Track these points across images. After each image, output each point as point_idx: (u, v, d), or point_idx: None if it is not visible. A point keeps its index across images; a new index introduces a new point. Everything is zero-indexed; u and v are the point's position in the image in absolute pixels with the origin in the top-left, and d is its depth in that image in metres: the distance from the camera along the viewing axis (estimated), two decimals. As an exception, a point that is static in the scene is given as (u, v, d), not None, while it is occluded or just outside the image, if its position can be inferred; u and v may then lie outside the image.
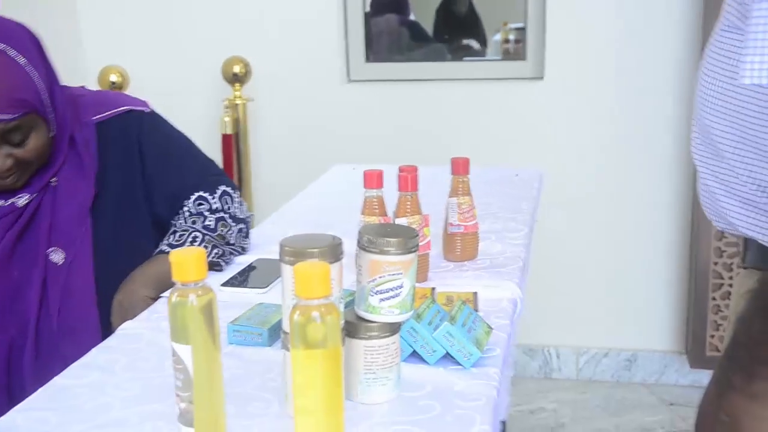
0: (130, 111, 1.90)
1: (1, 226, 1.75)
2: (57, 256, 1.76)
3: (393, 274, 1.18)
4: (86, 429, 1.18)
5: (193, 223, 1.84)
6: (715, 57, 1.28)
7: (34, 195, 1.77)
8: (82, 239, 1.78)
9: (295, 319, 0.99)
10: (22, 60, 1.70)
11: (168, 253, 1.69)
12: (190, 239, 1.78)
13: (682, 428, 2.98)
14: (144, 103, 1.94)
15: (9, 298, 1.74)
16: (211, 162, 2.01)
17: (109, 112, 1.88)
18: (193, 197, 1.87)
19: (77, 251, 1.77)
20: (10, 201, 1.75)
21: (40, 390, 1.31)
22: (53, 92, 1.76)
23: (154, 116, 1.95)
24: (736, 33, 1.20)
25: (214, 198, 1.88)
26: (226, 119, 3.27)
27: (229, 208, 1.88)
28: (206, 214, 1.85)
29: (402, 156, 2.58)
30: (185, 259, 1.05)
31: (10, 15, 1.74)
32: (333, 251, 1.16)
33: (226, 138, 3.23)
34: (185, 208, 1.86)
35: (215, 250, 1.78)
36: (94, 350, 1.45)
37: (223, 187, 1.91)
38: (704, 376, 3.21)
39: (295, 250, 1.15)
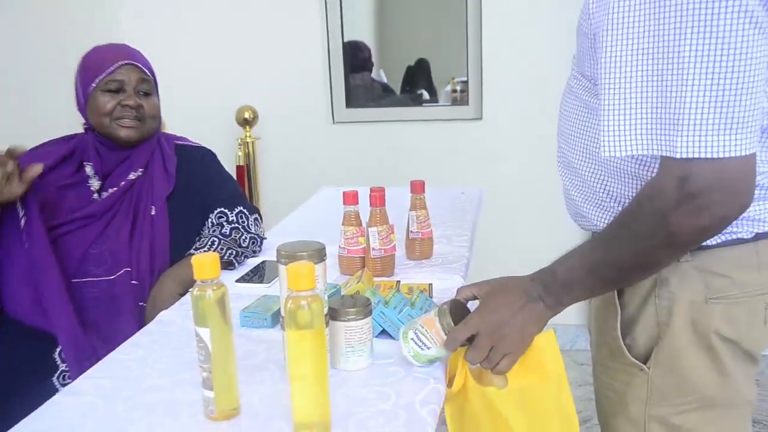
0: (201, 146, 2.01)
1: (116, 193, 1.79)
2: (152, 210, 1.81)
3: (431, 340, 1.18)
4: (132, 393, 1.17)
5: (213, 231, 1.83)
6: (570, 101, 1.26)
7: (140, 172, 1.82)
8: (164, 202, 1.82)
9: (288, 307, 0.98)
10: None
11: (220, 227, 1.85)
12: (209, 243, 1.77)
13: (589, 381, 2.97)
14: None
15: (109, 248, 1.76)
16: (239, 191, 2.02)
17: (187, 142, 2.00)
18: (216, 211, 1.88)
19: (159, 209, 1.81)
20: (130, 176, 1.81)
21: (99, 363, 1.30)
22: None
23: (212, 153, 2.01)
24: (583, 81, 1.19)
25: (232, 214, 1.88)
26: (239, 154, 3.25)
27: (243, 222, 1.88)
28: (224, 224, 1.85)
29: (374, 180, 2.57)
30: (203, 263, 1.04)
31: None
32: (319, 254, 1.16)
33: (239, 168, 3.22)
34: (208, 220, 1.87)
35: (229, 251, 1.76)
36: (138, 333, 1.43)
37: (240, 207, 1.91)
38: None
39: (288, 254, 1.15)
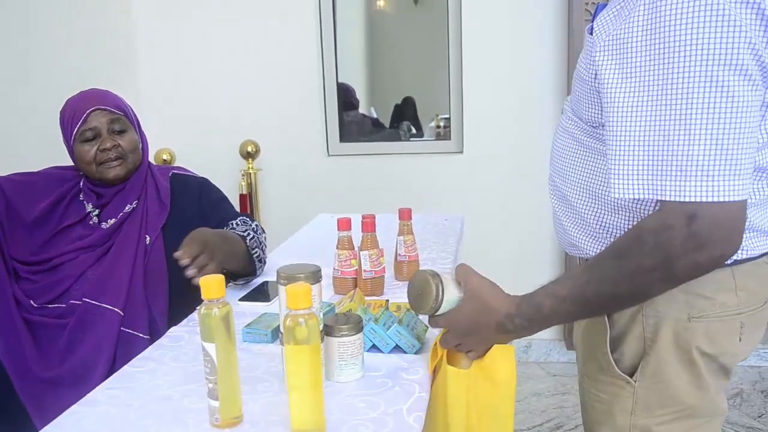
0: (197, 176, 1.92)
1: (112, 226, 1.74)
2: (147, 239, 1.75)
3: None
4: (144, 402, 1.16)
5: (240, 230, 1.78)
6: (564, 140, 1.24)
7: (135, 204, 1.77)
8: (158, 232, 1.76)
9: (287, 324, 0.98)
10: (119, 95, 1.80)
11: (230, 229, 1.77)
12: (244, 230, 1.77)
13: (562, 391, 2.96)
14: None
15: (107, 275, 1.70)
16: (237, 212, 1.93)
17: (185, 172, 1.92)
18: (238, 219, 1.82)
19: (155, 238, 1.75)
20: (126, 209, 1.76)
21: (113, 375, 1.29)
22: (142, 134, 1.82)
23: (209, 183, 1.93)
24: (580, 123, 1.18)
25: (235, 221, 1.81)
26: (243, 183, 3.24)
27: (248, 223, 1.83)
28: (234, 227, 1.79)
29: (365, 207, 2.56)
30: (210, 284, 1.04)
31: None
32: (315, 276, 1.15)
33: (242, 197, 3.20)
34: (233, 224, 1.81)
35: (255, 243, 1.76)
36: (150, 347, 1.42)
37: (241, 217, 1.86)
38: (575, 355, 3.25)
39: (287, 275, 1.15)
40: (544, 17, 3.08)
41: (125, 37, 3.27)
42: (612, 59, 1.00)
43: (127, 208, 1.76)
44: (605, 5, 1.08)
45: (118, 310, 1.65)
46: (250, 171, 3.25)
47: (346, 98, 3.42)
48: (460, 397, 1.20)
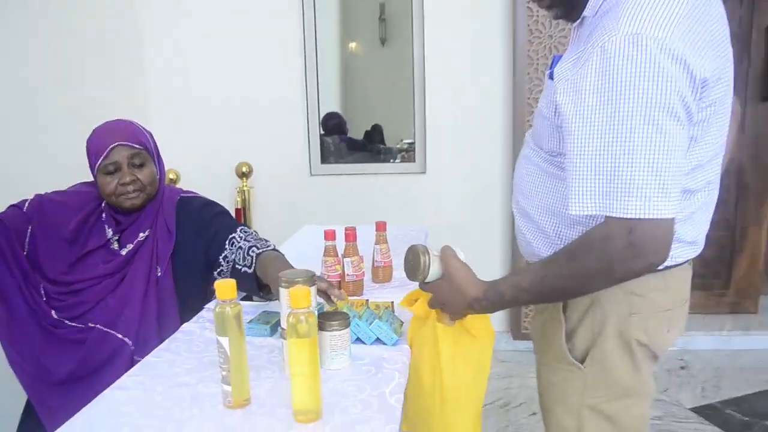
0: (201, 197, 1.80)
1: (125, 256, 1.65)
2: (158, 271, 1.65)
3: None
4: (165, 387, 1.18)
5: (246, 240, 1.65)
6: (527, 167, 1.27)
7: (147, 233, 1.67)
8: (167, 262, 1.65)
9: (289, 321, 1.00)
10: (144, 129, 1.70)
11: (231, 237, 1.66)
12: (262, 244, 1.65)
13: (509, 375, 3.00)
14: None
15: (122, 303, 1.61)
16: (236, 221, 1.76)
17: (191, 194, 1.80)
18: (238, 230, 1.68)
19: (165, 270, 1.65)
20: (139, 236, 1.66)
21: (137, 364, 1.30)
22: (161, 162, 1.72)
23: (211, 203, 1.79)
24: (541, 153, 1.21)
25: (237, 233, 1.67)
26: (238, 199, 3.23)
27: (251, 233, 1.70)
28: (240, 242, 1.65)
29: (344, 219, 2.58)
30: (224, 287, 1.06)
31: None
32: (311, 279, 1.18)
33: (237, 211, 3.19)
34: (235, 236, 1.67)
35: (265, 248, 1.62)
36: (167, 341, 1.42)
37: (240, 227, 1.69)
38: (520, 345, 3.27)
39: (288, 279, 1.16)
40: (495, 56, 3.13)
41: (137, 85, 3.25)
42: (570, 100, 1.03)
43: (140, 236, 1.67)
44: (561, 56, 1.12)
45: (130, 342, 1.58)
46: (245, 189, 3.25)
47: (338, 124, 3.44)
48: (448, 347, 1.24)
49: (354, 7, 3.39)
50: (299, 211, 3.30)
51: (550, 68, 1.16)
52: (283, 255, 1.60)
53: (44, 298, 1.62)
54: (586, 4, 1.09)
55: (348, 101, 3.49)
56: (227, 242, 1.66)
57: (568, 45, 1.17)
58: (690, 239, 1.15)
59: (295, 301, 0.99)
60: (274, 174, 3.36)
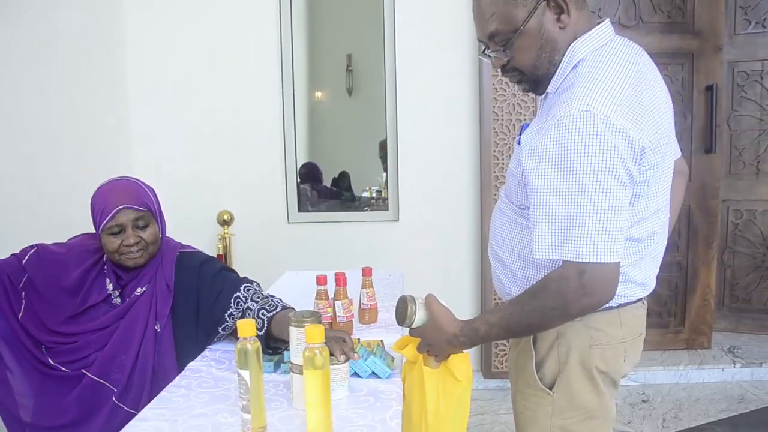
0: (200, 253, 1.84)
1: (123, 307, 1.70)
2: (157, 326, 1.69)
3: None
4: (186, 418, 1.28)
5: (253, 301, 1.68)
6: (501, 218, 1.42)
7: (145, 288, 1.72)
8: (167, 318, 1.70)
9: (306, 354, 1.13)
10: (147, 188, 1.76)
11: (236, 298, 1.68)
12: (266, 304, 1.67)
13: (481, 412, 3.13)
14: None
15: (118, 353, 1.66)
16: (237, 277, 1.80)
17: (190, 249, 1.84)
18: (242, 288, 1.71)
19: (164, 325, 1.69)
20: (137, 291, 1.71)
21: (155, 399, 1.38)
22: (162, 220, 1.78)
23: (211, 259, 1.82)
24: (512, 206, 1.38)
25: (241, 292, 1.70)
26: (219, 246, 3.32)
27: (257, 288, 1.75)
28: (248, 301, 1.69)
29: (321, 265, 2.67)
30: (245, 326, 1.17)
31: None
32: (318, 319, 1.30)
33: (219, 257, 3.25)
34: (239, 294, 1.69)
35: (275, 309, 1.65)
36: (178, 377, 1.51)
37: (244, 284, 1.73)
38: (491, 383, 3.41)
39: (297, 319, 1.29)
40: (462, 111, 3.35)
41: (119, 130, 3.35)
42: (533, 163, 1.20)
43: (138, 290, 1.72)
44: (528, 125, 1.31)
45: (116, 391, 1.63)
46: (226, 236, 3.34)
47: (315, 173, 3.55)
48: (433, 389, 1.40)
49: (321, 58, 3.51)
50: (278, 257, 3.38)
51: (519, 135, 1.34)
52: (293, 308, 1.66)
53: (42, 346, 1.68)
54: (549, 83, 1.30)
55: (315, 149, 3.58)
56: (232, 300, 1.69)
57: (534, 113, 1.37)
58: (640, 280, 1.33)
59: (311, 337, 1.13)
60: (253, 222, 3.44)
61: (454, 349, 1.37)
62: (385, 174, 3.50)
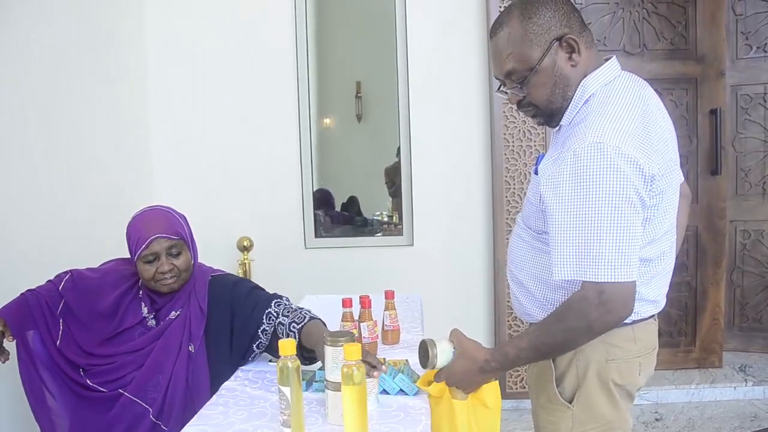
0: (233, 277, 1.91)
1: (160, 329, 1.77)
2: (191, 347, 1.76)
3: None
4: (228, 434, 1.36)
5: (284, 316, 1.75)
6: (519, 243, 1.48)
7: (179, 311, 1.78)
8: (201, 340, 1.77)
9: (344, 371, 1.20)
10: (180, 216, 1.83)
11: (268, 312, 1.75)
12: (297, 317, 1.74)
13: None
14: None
15: (153, 375, 1.74)
16: (266, 294, 1.87)
17: (222, 272, 1.91)
18: (272, 304, 1.78)
19: (198, 347, 1.76)
20: (171, 314, 1.78)
21: (196, 416, 1.45)
22: (194, 246, 1.85)
23: (243, 280, 1.92)
24: (530, 231, 1.44)
25: (272, 308, 1.78)
26: (239, 271, 3.39)
27: (287, 303, 1.82)
28: (280, 316, 1.76)
29: (338, 289, 2.73)
30: (286, 345, 1.26)
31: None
32: (351, 338, 1.37)
33: (239, 282, 3.36)
34: (270, 311, 1.77)
35: (303, 321, 1.72)
36: (215, 396, 1.58)
37: (275, 300, 1.81)
38: (507, 404, 3.43)
39: (332, 339, 1.37)
40: (474, 139, 3.46)
41: (143, 156, 3.47)
42: (551, 191, 1.29)
43: (172, 314, 1.78)
44: (543, 155, 1.41)
45: (152, 411, 1.70)
46: (246, 261, 3.42)
47: (327, 199, 3.64)
48: (464, 420, 1.46)
49: (330, 84, 3.61)
50: (297, 282, 3.44)
51: (536, 165, 1.44)
52: (320, 319, 1.76)
53: (80, 369, 1.77)
54: (562, 116, 1.40)
55: (324, 175, 3.66)
56: (264, 317, 1.77)
57: (548, 145, 1.46)
58: (652, 298, 1.42)
59: (349, 355, 1.21)
60: (272, 247, 3.54)
61: (487, 375, 1.43)
62: (391, 199, 3.60)
